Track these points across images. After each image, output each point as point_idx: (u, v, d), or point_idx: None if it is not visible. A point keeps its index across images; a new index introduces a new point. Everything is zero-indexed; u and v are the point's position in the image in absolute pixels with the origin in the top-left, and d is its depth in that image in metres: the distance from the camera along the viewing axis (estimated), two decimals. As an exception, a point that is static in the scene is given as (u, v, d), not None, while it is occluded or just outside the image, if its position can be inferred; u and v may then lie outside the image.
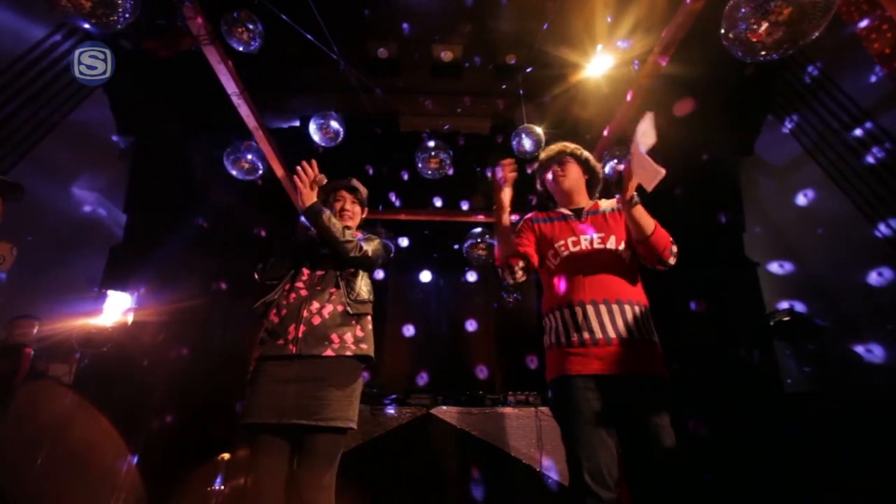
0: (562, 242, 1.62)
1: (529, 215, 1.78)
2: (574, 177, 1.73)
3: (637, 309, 1.48)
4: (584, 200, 1.75)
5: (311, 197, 1.67)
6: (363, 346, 1.65)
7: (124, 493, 3.17)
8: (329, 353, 1.57)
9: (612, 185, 1.53)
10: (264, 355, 1.58)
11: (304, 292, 1.67)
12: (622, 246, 1.58)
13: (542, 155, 1.82)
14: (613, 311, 1.46)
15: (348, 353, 1.60)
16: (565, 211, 1.71)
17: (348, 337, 1.62)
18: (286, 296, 1.67)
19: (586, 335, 1.44)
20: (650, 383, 1.39)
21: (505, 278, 1.64)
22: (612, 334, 1.42)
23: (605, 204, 1.71)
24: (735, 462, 3.37)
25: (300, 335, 1.56)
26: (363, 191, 1.97)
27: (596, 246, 1.58)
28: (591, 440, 1.33)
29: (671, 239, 1.53)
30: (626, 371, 1.38)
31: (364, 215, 1.99)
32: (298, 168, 1.66)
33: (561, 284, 1.56)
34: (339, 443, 1.56)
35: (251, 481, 1.47)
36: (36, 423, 3.22)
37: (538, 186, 1.87)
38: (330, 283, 1.70)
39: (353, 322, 1.66)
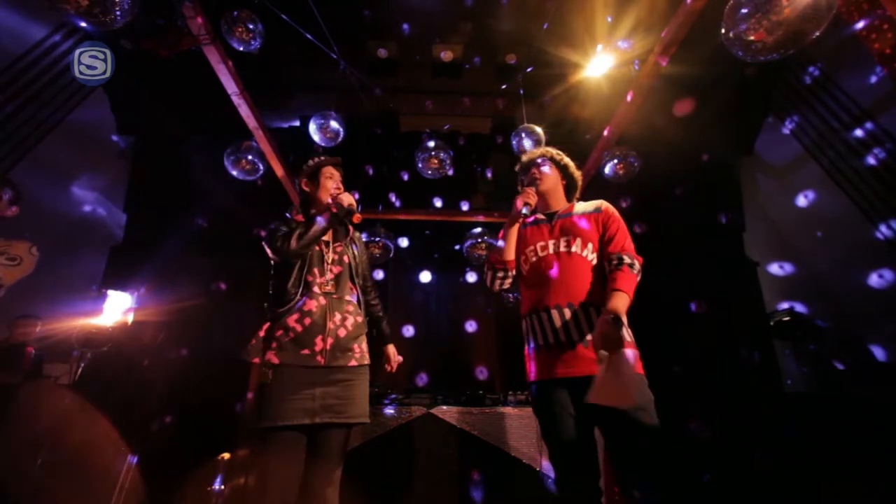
0: (531, 248, 1.65)
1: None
2: (551, 181, 1.75)
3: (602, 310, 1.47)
4: (559, 204, 1.76)
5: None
6: (369, 354, 1.75)
7: (124, 493, 3.16)
8: (353, 363, 1.65)
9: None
10: (285, 363, 1.55)
11: (323, 300, 1.66)
12: (588, 249, 1.57)
13: (524, 158, 1.85)
14: (578, 315, 1.48)
15: (366, 361, 1.70)
16: (540, 216, 1.73)
17: (364, 346, 1.73)
18: (304, 301, 1.63)
19: (552, 339, 1.48)
20: None
21: (492, 281, 1.67)
22: (575, 337, 1.45)
23: (581, 207, 1.69)
24: (735, 462, 3.37)
25: (328, 347, 1.60)
26: None
27: (562, 250, 1.59)
28: (566, 440, 1.39)
29: (634, 276, 1.47)
30: (592, 372, 1.38)
31: None
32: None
33: (531, 290, 1.61)
34: (349, 437, 1.63)
35: (263, 480, 1.45)
36: (36, 423, 3.21)
37: (518, 188, 1.89)
38: (346, 290, 1.75)
39: (366, 331, 1.77)
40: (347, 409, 1.57)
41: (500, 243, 1.66)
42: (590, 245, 1.58)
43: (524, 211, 1.63)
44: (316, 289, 1.67)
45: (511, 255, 1.63)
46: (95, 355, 3.73)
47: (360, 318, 1.73)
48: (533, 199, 1.66)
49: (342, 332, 1.64)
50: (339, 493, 1.57)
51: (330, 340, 1.60)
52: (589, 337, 1.44)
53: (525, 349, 1.64)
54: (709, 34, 2.32)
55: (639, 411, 1.33)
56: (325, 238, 1.78)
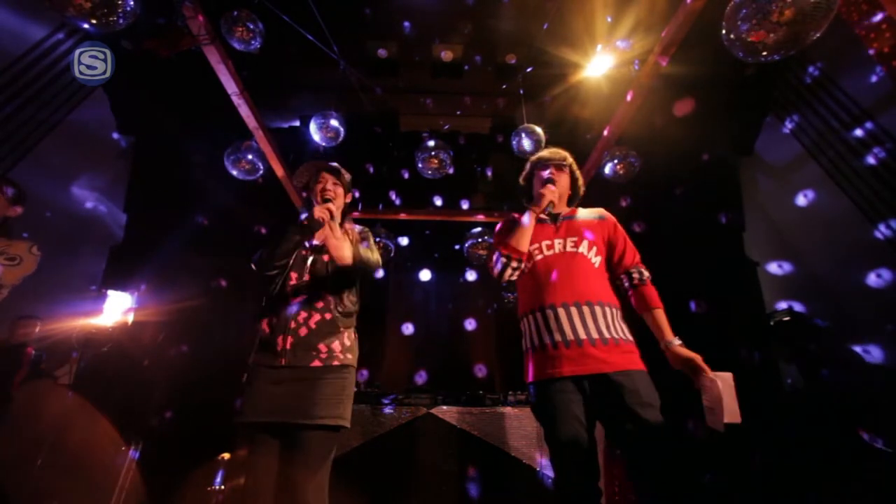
0: (536, 246, 1.64)
1: (508, 218, 1.77)
2: (563, 186, 1.76)
3: (608, 310, 1.52)
4: (560, 208, 1.77)
5: (349, 249, 1.68)
6: (349, 355, 1.66)
7: (124, 493, 3.17)
8: (317, 363, 1.58)
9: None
10: (257, 362, 1.61)
11: (292, 300, 1.67)
12: (593, 251, 1.61)
13: (545, 153, 1.82)
14: (584, 313, 1.49)
15: (336, 362, 1.61)
16: (543, 215, 1.72)
17: (336, 346, 1.63)
18: (277, 304, 1.68)
19: (558, 337, 1.47)
20: (626, 380, 1.40)
21: (503, 270, 1.59)
22: (582, 335, 1.45)
23: (584, 213, 1.74)
24: (735, 461, 3.37)
25: (288, 347, 1.58)
26: (346, 175, 1.94)
27: (569, 250, 1.61)
28: (570, 440, 1.38)
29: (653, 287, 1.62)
30: (601, 370, 1.41)
31: (348, 200, 1.96)
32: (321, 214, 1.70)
33: (534, 287, 1.59)
34: (332, 441, 1.55)
35: (246, 480, 1.48)
36: (36, 423, 3.22)
37: (522, 180, 1.89)
38: (319, 289, 1.69)
39: (341, 330, 1.67)
40: (312, 409, 1.51)
41: (526, 221, 1.61)
42: (594, 249, 1.62)
43: (549, 209, 1.66)
44: (289, 290, 1.69)
45: (527, 246, 1.61)
46: (95, 355, 3.74)
47: (328, 316, 1.65)
48: (557, 199, 1.68)
49: (303, 332, 1.61)
50: (339, 494, 1.56)
51: (290, 339, 1.59)
52: (596, 336, 1.45)
53: (526, 348, 1.62)
54: (709, 34, 2.32)
55: (647, 408, 1.35)
56: (316, 241, 1.80)
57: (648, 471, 1.33)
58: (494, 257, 1.63)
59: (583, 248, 1.60)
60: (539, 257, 1.63)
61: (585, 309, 1.49)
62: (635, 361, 1.46)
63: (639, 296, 1.58)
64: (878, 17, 2.57)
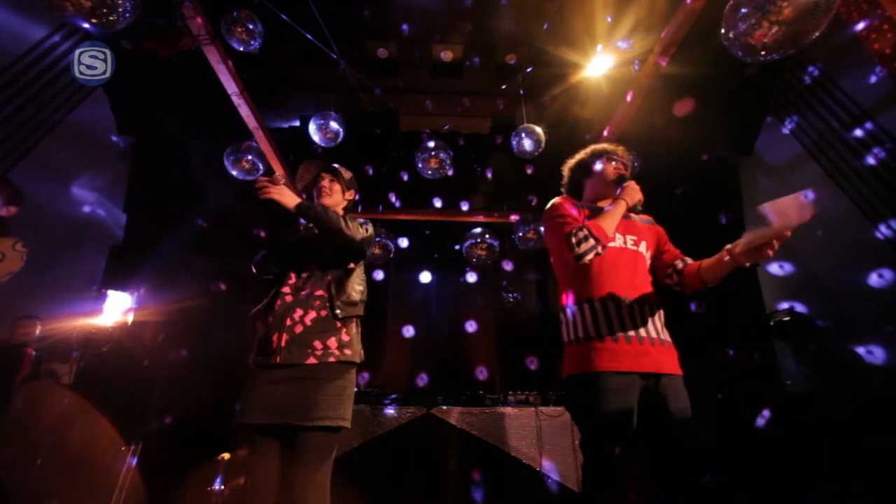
0: None
1: (567, 200, 1.69)
2: None
3: (660, 311, 1.54)
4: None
5: (292, 198, 1.67)
6: (347, 351, 1.61)
7: (124, 493, 3.17)
8: (312, 360, 1.56)
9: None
10: (255, 362, 1.61)
11: (289, 298, 1.65)
12: (649, 254, 1.66)
13: (612, 147, 1.80)
14: (645, 311, 1.49)
15: (331, 359, 1.58)
16: (605, 206, 1.68)
17: (332, 342, 1.60)
18: (273, 303, 1.66)
19: (620, 331, 1.43)
20: (672, 383, 1.42)
21: (588, 251, 1.46)
22: (643, 333, 1.45)
23: (636, 215, 1.75)
24: (735, 462, 3.37)
25: (283, 344, 1.56)
26: (345, 173, 1.94)
27: (630, 246, 1.62)
28: (615, 439, 1.34)
29: None
30: (655, 370, 1.41)
31: (350, 197, 1.96)
32: (260, 185, 1.67)
33: (592, 276, 1.53)
34: (332, 442, 1.54)
35: (246, 480, 1.48)
36: (36, 423, 3.22)
37: (574, 164, 1.83)
38: (316, 286, 1.67)
39: (339, 325, 1.63)
40: (311, 410, 1.48)
41: (619, 210, 1.57)
42: (650, 252, 1.67)
43: (638, 208, 1.67)
44: (286, 289, 1.67)
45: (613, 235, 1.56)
46: (95, 355, 3.74)
47: (324, 313, 1.62)
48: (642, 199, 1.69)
49: (299, 329, 1.58)
50: (339, 494, 1.55)
51: (285, 337, 1.56)
52: (655, 335, 1.46)
53: (576, 336, 1.51)
54: (709, 34, 2.33)
55: (685, 412, 1.39)
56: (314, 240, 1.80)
57: (672, 470, 1.36)
58: (581, 234, 1.47)
59: (642, 248, 1.64)
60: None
61: (646, 307, 1.50)
62: (678, 366, 1.48)
63: (689, 267, 1.60)
64: (878, 17, 2.57)
